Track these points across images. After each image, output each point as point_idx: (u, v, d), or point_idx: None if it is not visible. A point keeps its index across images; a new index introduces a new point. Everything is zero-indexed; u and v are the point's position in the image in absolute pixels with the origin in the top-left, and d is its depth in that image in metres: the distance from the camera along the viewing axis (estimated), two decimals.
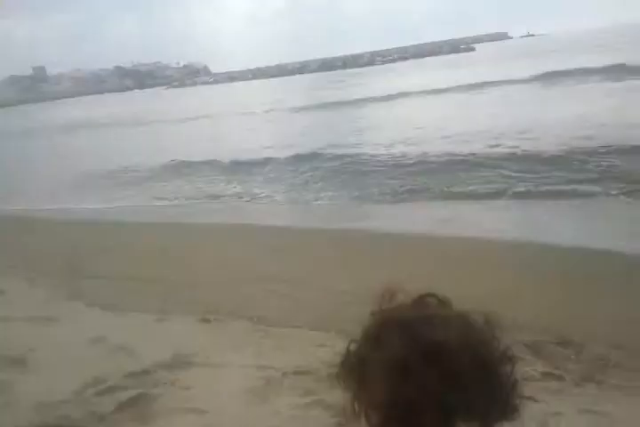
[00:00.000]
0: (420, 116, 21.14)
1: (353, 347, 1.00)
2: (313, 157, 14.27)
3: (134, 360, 4.24)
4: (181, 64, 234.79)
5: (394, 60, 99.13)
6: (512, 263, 5.89)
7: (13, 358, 4.31)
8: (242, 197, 11.75)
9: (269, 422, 3.31)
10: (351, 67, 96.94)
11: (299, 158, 14.39)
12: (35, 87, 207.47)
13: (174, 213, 11.13)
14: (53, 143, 28.20)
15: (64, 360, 4.28)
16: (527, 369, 3.54)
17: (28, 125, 43.61)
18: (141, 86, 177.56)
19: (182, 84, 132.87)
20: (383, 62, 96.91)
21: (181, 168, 15.66)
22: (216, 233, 8.69)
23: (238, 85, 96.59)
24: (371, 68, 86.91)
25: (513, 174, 10.03)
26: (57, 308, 5.67)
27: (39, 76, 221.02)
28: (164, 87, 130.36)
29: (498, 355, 0.93)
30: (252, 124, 26.85)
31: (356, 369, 0.96)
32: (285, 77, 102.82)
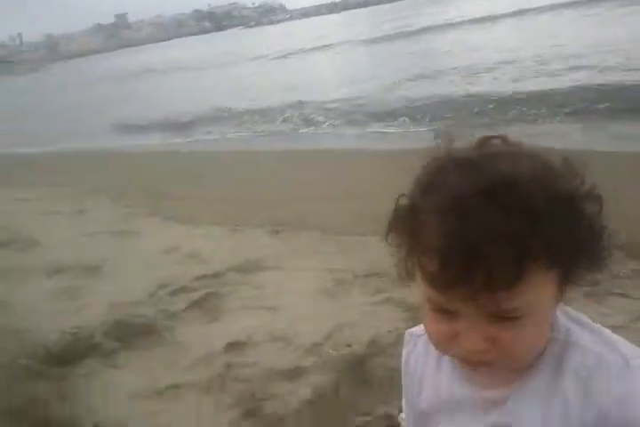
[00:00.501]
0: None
1: (403, 200, 0.82)
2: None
3: (206, 265, 4.25)
4: (257, 3, 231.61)
5: None
6: None
7: (89, 267, 4.43)
8: (310, 127, 11.55)
9: (340, 318, 3.20)
10: None
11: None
12: (117, 34, 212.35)
13: (247, 144, 11.26)
14: (135, 87, 28.77)
15: (138, 267, 4.36)
16: (618, 267, 3.21)
17: (110, 71, 44.84)
18: (219, 28, 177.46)
19: (259, 24, 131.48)
20: None
21: (257, 109, 15.46)
22: (284, 158, 8.71)
23: (314, 21, 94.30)
24: None
25: None
26: (135, 223, 5.80)
27: (121, 23, 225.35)
28: (241, 28, 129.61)
29: (581, 192, 0.76)
30: (330, 58, 26.18)
31: (407, 219, 0.79)
32: (359, 9, 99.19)
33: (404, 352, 1.03)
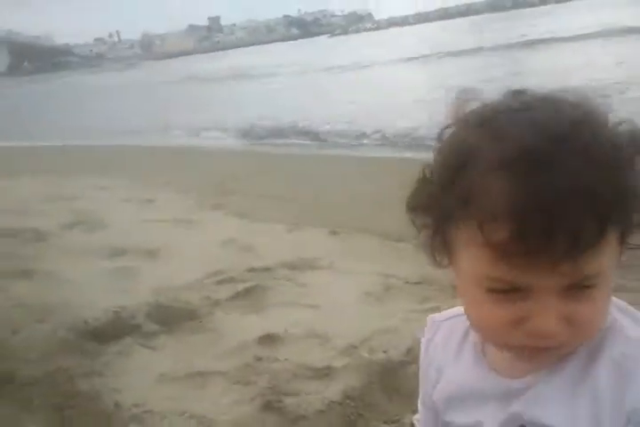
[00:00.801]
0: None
1: (429, 172, 0.73)
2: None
3: (258, 259, 4.25)
4: (346, 12, 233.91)
5: None
6: None
7: (147, 250, 4.52)
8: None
9: (381, 323, 3.09)
10: (522, 7, 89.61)
11: None
12: (210, 37, 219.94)
13: (314, 148, 11.42)
14: (223, 90, 29.61)
15: (192, 255, 4.41)
16: None
17: (202, 72, 46.34)
18: (307, 35, 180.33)
19: (345, 32, 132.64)
20: (557, 2, 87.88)
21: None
22: (344, 164, 8.78)
23: (400, 30, 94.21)
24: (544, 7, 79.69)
25: None
26: (198, 214, 5.91)
27: (214, 26, 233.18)
28: (327, 35, 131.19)
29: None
30: (412, 69, 26.01)
31: (452, 182, 0.67)
32: (448, 20, 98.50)
33: (424, 340, 0.94)
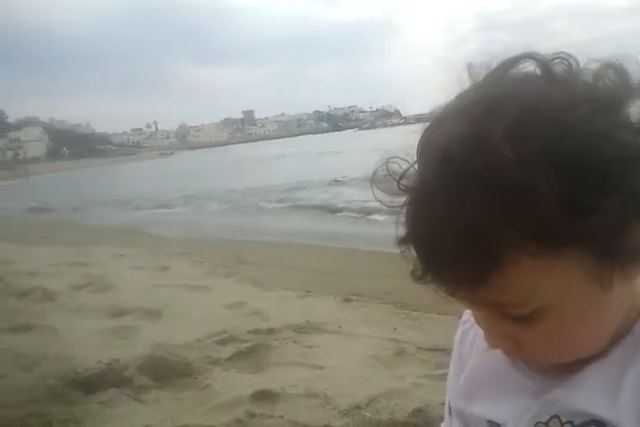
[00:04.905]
0: None
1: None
2: None
3: (265, 322, 4.09)
4: (374, 108, 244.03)
5: None
6: None
7: (151, 310, 4.40)
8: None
9: (389, 386, 2.87)
10: None
11: None
12: (244, 129, 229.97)
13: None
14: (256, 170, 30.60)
15: (197, 316, 4.27)
16: None
17: (235, 159, 48.15)
18: (336, 129, 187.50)
19: (373, 126, 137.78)
20: None
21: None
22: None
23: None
24: None
25: None
26: (209, 281, 5.82)
27: (248, 119, 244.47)
28: (355, 129, 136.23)
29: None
30: None
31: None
32: None
33: (459, 331, 0.85)
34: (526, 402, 0.68)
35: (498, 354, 0.73)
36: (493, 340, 0.65)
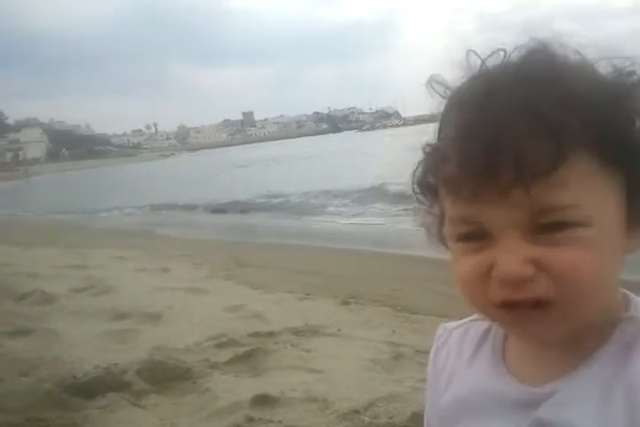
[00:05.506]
0: None
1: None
2: None
3: (264, 325, 4.09)
4: (374, 109, 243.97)
5: None
6: None
7: (151, 313, 4.39)
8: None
9: (388, 389, 2.87)
10: None
11: None
12: (243, 130, 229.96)
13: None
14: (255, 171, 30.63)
15: (196, 319, 4.27)
16: None
17: (237, 160, 48.18)
18: (336, 130, 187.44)
19: (372, 128, 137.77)
20: None
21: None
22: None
23: (427, 126, 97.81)
24: None
25: None
26: (209, 283, 5.83)
27: (248, 120, 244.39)
28: (355, 131, 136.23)
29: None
30: None
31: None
32: None
33: (433, 349, 0.83)
34: (513, 421, 0.66)
35: (479, 372, 0.73)
36: (513, 266, 0.57)
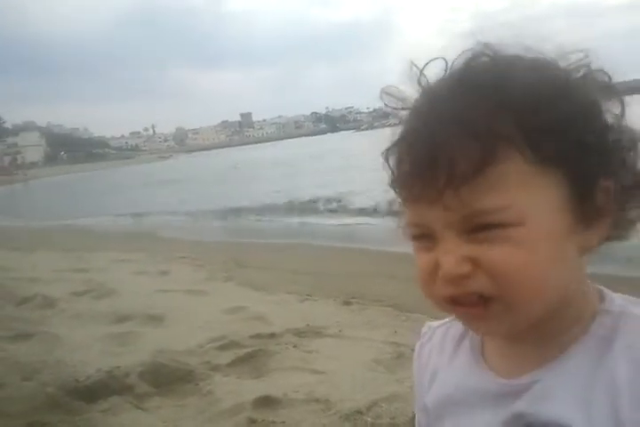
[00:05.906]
0: None
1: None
2: None
3: (266, 326, 4.10)
4: (371, 108, 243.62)
5: None
6: None
7: (152, 317, 4.40)
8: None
9: (390, 389, 2.87)
10: None
11: None
12: (241, 131, 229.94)
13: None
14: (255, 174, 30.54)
15: (198, 322, 4.28)
16: None
17: (233, 161, 48.06)
18: (334, 130, 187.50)
19: (370, 127, 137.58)
20: None
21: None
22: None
23: None
24: None
25: None
26: (209, 285, 5.84)
27: (246, 121, 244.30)
28: (353, 131, 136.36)
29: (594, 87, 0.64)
30: None
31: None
32: None
33: (417, 345, 0.86)
34: (495, 414, 0.67)
35: (460, 368, 0.74)
36: (451, 265, 0.60)
